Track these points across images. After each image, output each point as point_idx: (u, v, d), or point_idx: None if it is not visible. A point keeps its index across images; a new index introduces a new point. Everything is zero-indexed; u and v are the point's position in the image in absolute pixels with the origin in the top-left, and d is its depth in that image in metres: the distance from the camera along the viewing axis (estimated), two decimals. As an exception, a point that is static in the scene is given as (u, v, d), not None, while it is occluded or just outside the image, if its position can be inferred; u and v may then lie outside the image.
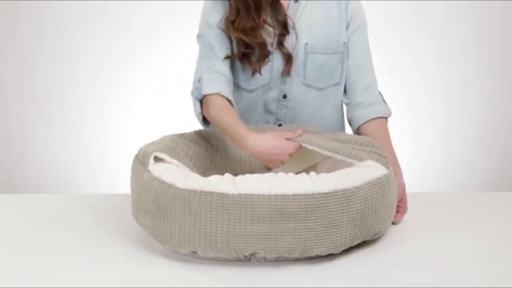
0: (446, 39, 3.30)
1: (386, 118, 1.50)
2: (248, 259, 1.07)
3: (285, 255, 1.04)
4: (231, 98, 1.38)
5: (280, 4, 1.44)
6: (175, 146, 1.28)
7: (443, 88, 3.33)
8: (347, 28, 1.48)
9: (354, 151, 1.21)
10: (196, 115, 1.43)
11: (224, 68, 1.42)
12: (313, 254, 1.05)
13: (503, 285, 0.99)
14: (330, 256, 1.08)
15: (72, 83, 3.40)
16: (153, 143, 1.27)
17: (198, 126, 1.48)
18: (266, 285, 1.00)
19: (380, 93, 1.53)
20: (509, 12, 3.24)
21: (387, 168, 1.17)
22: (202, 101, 1.39)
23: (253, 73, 1.46)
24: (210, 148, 1.40)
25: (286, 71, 1.45)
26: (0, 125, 3.45)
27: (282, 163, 1.27)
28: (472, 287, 0.98)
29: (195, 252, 1.06)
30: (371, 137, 1.42)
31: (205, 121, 1.43)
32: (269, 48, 1.43)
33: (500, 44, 3.30)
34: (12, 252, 1.17)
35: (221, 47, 1.43)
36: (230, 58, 1.44)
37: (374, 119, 1.48)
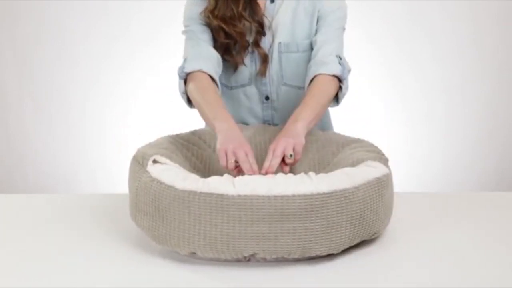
0: (443, 39, 3.29)
1: (336, 77, 1.38)
2: (247, 260, 1.07)
3: (285, 256, 1.04)
4: (213, 74, 1.38)
5: (257, 4, 1.45)
6: (174, 147, 1.28)
7: (441, 88, 3.33)
8: (320, 20, 1.44)
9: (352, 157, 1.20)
10: (181, 95, 1.42)
11: (209, 48, 1.42)
12: (313, 255, 1.05)
13: (501, 284, 1.00)
14: (329, 256, 1.09)
15: (72, 83, 3.40)
16: (150, 144, 1.27)
17: (198, 126, 1.48)
18: (266, 286, 1.01)
19: (342, 63, 1.40)
20: (506, 12, 3.24)
21: (387, 166, 1.17)
22: (186, 80, 1.39)
23: (236, 68, 1.47)
24: (207, 148, 1.40)
25: (262, 71, 1.46)
26: (0, 125, 3.45)
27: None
28: (470, 287, 0.98)
29: (194, 253, 1.06)
30: (308, 92, 1.35)
31: (189, 100, 1.41)
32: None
33: (498, 44, 3.29)
34: (12, 252, 1.17)
35: (204, 35, 1.44)
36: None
37: (319, 75, 1.37)
